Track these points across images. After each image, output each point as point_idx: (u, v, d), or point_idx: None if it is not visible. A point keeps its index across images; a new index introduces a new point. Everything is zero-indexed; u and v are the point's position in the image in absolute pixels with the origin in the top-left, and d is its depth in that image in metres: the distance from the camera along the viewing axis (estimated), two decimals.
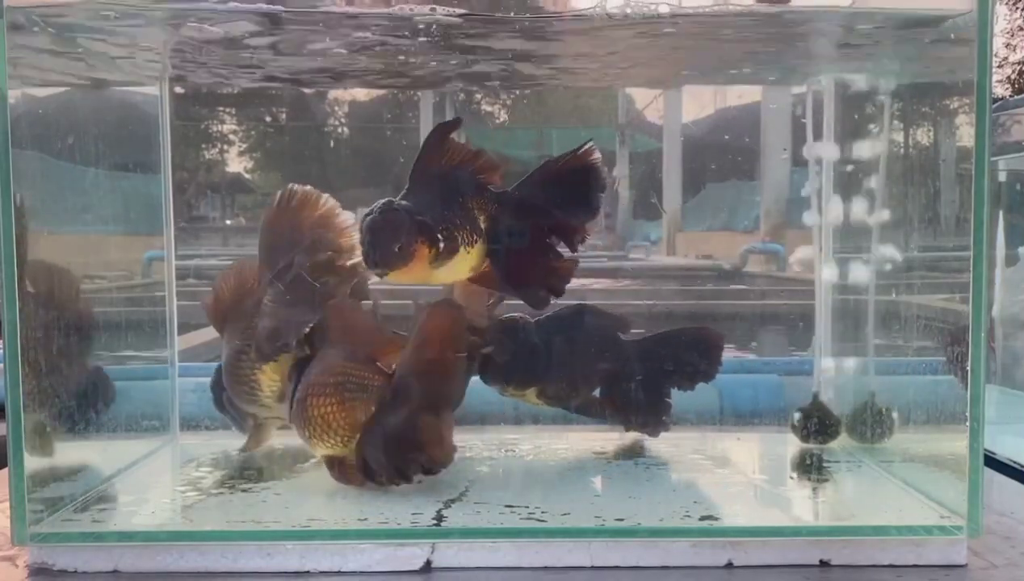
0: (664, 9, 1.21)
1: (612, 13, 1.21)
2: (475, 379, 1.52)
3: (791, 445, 1.60)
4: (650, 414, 1.57)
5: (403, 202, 1.23)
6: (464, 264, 1.30)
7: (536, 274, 1.34)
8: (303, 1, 1.26)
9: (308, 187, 1.44)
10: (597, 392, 1.59)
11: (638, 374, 1.55)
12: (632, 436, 1.61)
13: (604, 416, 1.60)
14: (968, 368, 1.12)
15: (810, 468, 1.49)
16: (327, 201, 1.44)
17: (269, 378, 1.41)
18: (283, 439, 1.52)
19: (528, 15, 1.28)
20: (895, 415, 1.49)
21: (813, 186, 1.64)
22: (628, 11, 1.21)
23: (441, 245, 1.23)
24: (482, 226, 1.30)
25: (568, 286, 1.35)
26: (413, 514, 1.21)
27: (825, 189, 1.64)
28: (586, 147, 1.36)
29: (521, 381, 1.52)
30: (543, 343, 1.50)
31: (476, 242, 1.29)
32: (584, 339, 1.54)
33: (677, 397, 1.57)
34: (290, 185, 1.44)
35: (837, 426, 1.57)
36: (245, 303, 1.44)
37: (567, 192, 1.35)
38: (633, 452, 1.55)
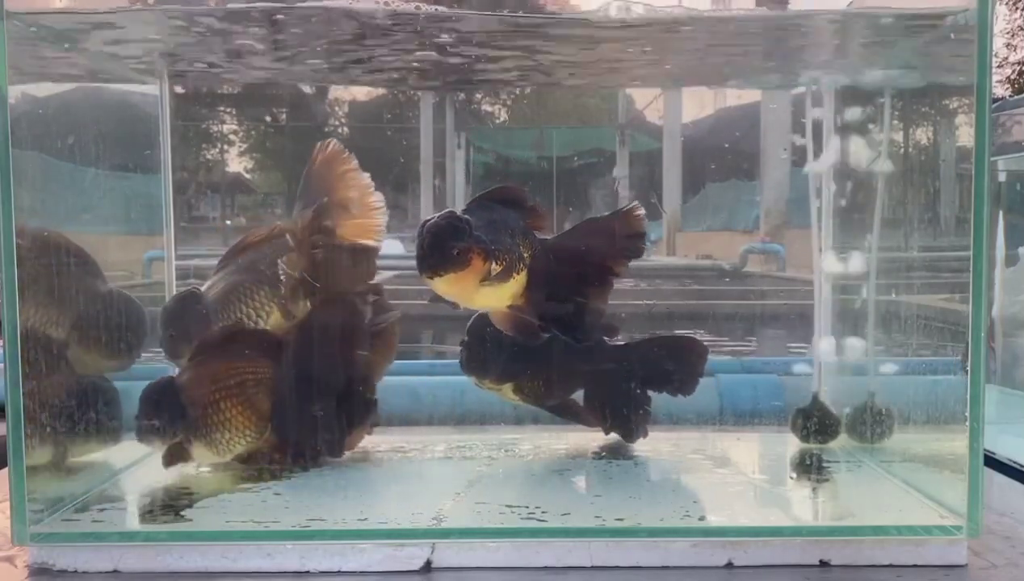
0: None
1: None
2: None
3: (791, 445, 1.60)
4: (627, 419, 1.55)
5: (464, 215, 1.25)
6: (505, 290, 1.32)
7: (567, 313, 1.43)
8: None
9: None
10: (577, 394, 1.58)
11: (618, 379, 1.53)
12: None
13: (581, 418, 1.59)
14: (968, 368, 1.12)
15: (810, 468, 1.49)
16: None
17: None
18: None
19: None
20: (893, 412, 1.49)
21: (812, 186, 1.64)
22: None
23: (494, 263, 1.25)
24: (526, 260, 1.33)
25: None
26: (413, 514, 1.21)
27: (825, 190, 1.63)
28: (630, 206, 1.45)
29: (498, 375, 1.52)
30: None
31: (520, 273, 1.32)
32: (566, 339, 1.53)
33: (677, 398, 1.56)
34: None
35: (837, 426, 1.57)
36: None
37: (608, 245, 1.43)
38: (632, 452, 1.55)
